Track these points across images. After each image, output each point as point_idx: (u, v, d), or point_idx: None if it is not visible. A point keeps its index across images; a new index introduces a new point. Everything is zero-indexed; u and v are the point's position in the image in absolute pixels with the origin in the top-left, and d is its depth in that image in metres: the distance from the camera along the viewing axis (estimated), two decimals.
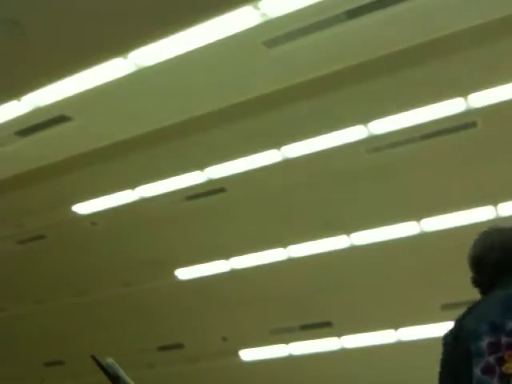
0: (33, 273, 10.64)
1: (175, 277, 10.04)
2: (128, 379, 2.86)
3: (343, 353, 10.11)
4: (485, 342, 2.26)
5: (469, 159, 7.45)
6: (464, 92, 6.69)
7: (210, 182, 8.38)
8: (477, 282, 2.54)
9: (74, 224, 9.54)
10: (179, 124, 7.46)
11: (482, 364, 2.24)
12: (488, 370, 2.22)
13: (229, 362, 10.88)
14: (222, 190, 8.51)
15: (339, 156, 7.64)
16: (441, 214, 8.06)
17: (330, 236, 8.77)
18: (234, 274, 9.62)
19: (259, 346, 10.62)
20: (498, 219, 7.78)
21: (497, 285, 2.43)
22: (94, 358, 2.84)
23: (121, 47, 6.15)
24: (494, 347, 2.24)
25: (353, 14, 5.74)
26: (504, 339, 2.24)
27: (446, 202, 7.90)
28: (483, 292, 2.52)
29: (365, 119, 7.20)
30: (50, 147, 7.95)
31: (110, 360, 2.86)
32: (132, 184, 8.72)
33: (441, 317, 8.83)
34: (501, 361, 2.22)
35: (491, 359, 2.23)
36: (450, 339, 2.38)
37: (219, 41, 5.98)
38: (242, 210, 8.74)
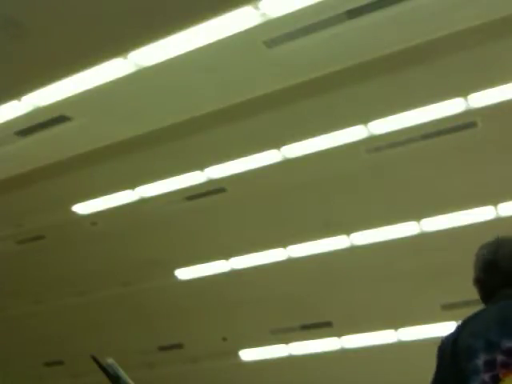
0: (32, 273, 10.64)
1: (175, 277, 10.03)
2: (128, 379, 2.86)
3: (343, 353, 10.09)
4: (481, 360, 2.25)
5: (469, 159, 7.45)
6: (464, 92, 6.69)
7: (210, 181, 8.38)
8: (481, 283, 2.53)
9: (74, 224, 9.54)
10: (179, 124, 7.46)
11: (478, 382, 2.23)
12: None
13: (229, 362, 10.87)
14: (221, 189, 8.51)
15: (339, 156, 7.64)
16: (441, 214, 8.06)
17: (329, 236, 8.76)
18: (233, 274, 9.61)
19: (259, 346, 10.61)
20: (498, 219, 7.78)
21: (497, 295, 2.43)
22: (94, 358, 2.84)
23: (121, 47, 6.14)
24: (490, 365, 2.24)
25: (353, 13, 5.74)
26: (499, 357, 2.23)
27: (446, 201, 7.89)
28: (484, 297, 2.51)
29: (365, 119, 7.20)
30: (50, 147, 7.95)
31: (110, 360, 2.86)
32: (132, 184, 8.72)
33: (441, 317, 8.84)
34: (496, 379, 2.22)
35: (486, 377, 2.23)
36: (446, 354, 2.36)
37: (219, 41, 5.98)
38: (242, 209, 8.74)
